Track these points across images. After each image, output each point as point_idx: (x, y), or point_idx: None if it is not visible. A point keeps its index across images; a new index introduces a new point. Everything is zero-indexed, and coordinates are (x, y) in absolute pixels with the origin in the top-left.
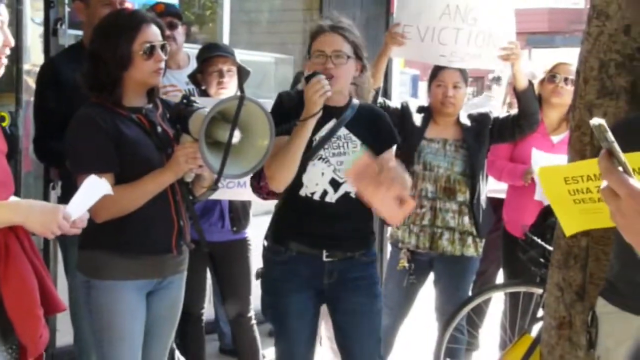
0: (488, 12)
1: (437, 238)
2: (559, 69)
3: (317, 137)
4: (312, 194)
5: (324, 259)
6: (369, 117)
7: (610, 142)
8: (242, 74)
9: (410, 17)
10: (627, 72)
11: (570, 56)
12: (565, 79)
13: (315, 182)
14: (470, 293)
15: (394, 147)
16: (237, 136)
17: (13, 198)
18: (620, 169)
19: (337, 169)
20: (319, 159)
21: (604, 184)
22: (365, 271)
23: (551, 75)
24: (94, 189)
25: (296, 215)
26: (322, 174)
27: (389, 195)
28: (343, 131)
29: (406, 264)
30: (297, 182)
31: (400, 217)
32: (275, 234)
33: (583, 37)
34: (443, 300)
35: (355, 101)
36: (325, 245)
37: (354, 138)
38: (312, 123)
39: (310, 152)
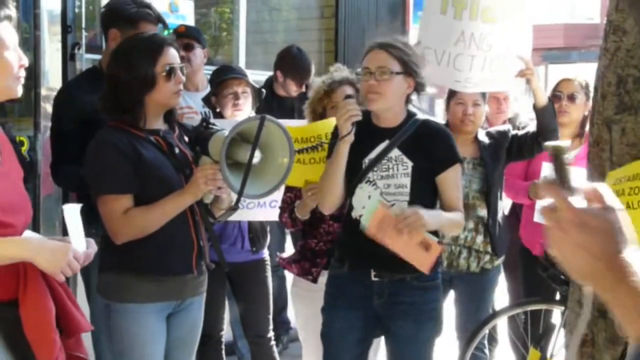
0: (504, 36)
1: (455, 257)
2: (562, 86)
3: (367, 159)
4: (360, 216)
5: (373, 278)
6: (427, 136)
7: (565, 164)
8: (257, 94)
9: (429, 39)
10: None
11: (586, 71)
12: (570, 97)
13: (362, 205)
14: (490, 311)
15: (455, 167)
16: (257, 156)
17: (28, 233)
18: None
19: (384, 192)
20: (367, 182)
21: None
22: (417, 296)
23: (555, 95)
24: (76, 215)
25: (348, 236)
26: (369, 196)
27: (412, 243)
28: (395, 152)
29: None
30: (349, 205)
31: (429, 262)
32: (336, 251)
33: (600, 53)
34: (464, 319)
35: (419, 118)
36: (374, 265)
37: (405, 159)
38: (344, 146)
39: (359, 176)
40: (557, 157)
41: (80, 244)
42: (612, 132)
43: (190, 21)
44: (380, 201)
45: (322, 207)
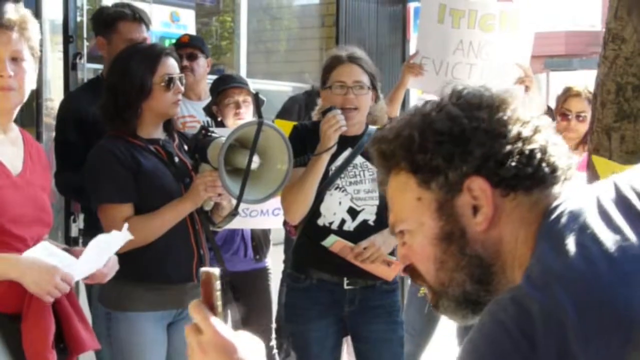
0: (504, 44)
1: None
2: (571, 104)
3: (333, 167)
4: (330, 223)
5: (345, 286)
6: None
7: (216, 290)
8: (258, 101)
9: (428, 49)
10: None
11: (587, 79)
12: (578, 116)
13: (333, 212)
14: None
15: None
16: (256, 161)
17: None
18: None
19: (354, 197)
20: (336, 189)
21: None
22: (386, 299)
23: (563, 113)
24: (106, 245)
25: (315, 244)
26: (340, 203)
27: (374, 266)
28: (359, 159)
29: (427, 291)
30: (315, 212)
31: (393, 274)
32: (295, 261)
33: (599, 61)
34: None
35: (372, 128)
36: (346, 273)
37: (370, 166)
38: (326, 157)
39: (326, 182)
40: (208, 282)
41: (81, 270)
42: (612, 139)
43: (192, 30)
44: (336, 240)
45: (292, 218)
